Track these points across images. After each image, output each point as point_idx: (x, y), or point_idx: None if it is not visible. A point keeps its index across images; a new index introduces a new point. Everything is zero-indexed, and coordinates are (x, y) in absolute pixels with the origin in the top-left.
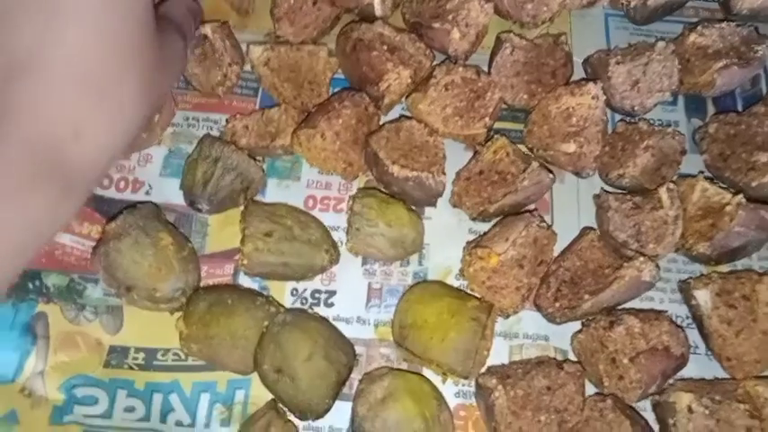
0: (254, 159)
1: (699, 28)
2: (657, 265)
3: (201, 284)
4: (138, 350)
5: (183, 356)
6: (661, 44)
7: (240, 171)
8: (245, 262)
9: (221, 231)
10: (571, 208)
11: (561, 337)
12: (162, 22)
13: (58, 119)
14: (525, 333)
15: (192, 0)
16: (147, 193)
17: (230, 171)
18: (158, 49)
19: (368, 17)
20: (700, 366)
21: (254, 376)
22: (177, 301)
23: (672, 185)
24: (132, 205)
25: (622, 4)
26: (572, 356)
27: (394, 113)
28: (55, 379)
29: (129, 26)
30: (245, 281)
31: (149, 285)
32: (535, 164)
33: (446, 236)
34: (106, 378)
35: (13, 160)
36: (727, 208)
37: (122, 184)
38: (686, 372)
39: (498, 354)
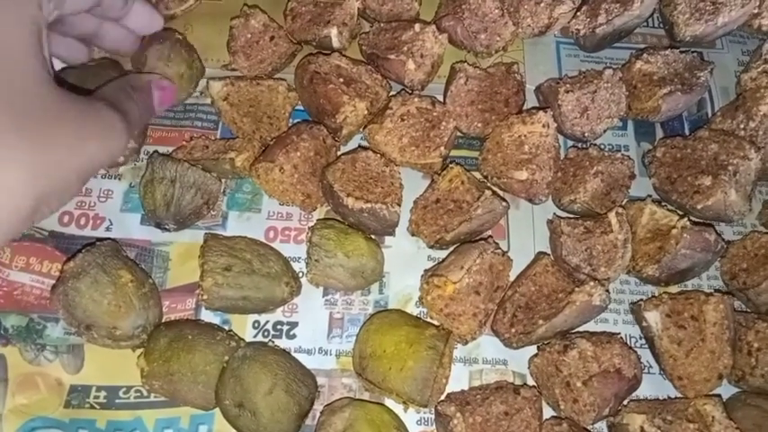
0: (208, 173)
1: (645, 55)
2: (608, 290)
3: (163, 320)
4: (99, 389)
5: (145, 393)
6: (608, 72)
7: (198, 186)
8: (205, 297)
9: (182, 265)
10: (526, 233)
11: (520, 361)
12: (92, 98)
13: None
14: (484, 358)
15: (138, 89)
16: (108, 228)
17: (189, 188)
18: (68, 112)
19: (326, 49)
20: (654, 386)
21: (217, 411)
22: (138, 338)
23: (621, 210)
24: (92, 243)
25: (572, 32)
26: (530, 380)
27: (353, 143)
28: (13, 422)
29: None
30: (207, 315)
31: (109, 324)
32: (488, 192)
33: (406, 264)
34: (66, 419)
35: None
36: (673, 231)
37: (83, 220)
38: (641, 391)
39: (458, 379)
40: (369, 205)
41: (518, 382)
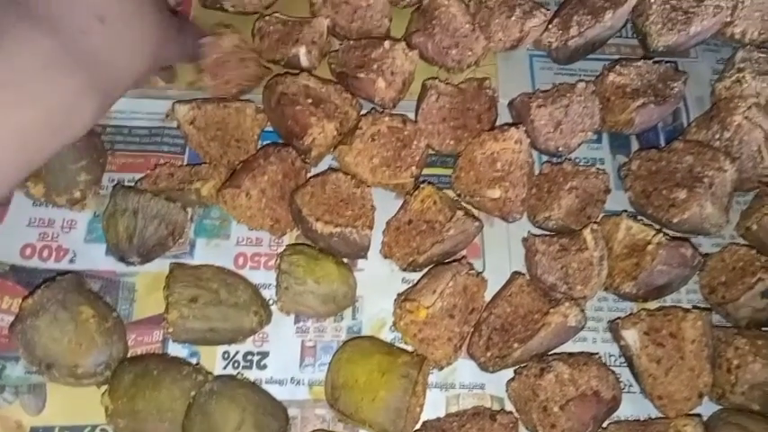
0: (173, 203)
1: (617, 67)
2: (583, 310)
3: (130, 353)
4: (62, 429)
5: None
6: (581, 85)
7: (162, 217)
8: (171, 330)
9: (149, 296)
10: (502, 251)
11: (498, 385)
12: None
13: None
14: (461, 383)
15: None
16: (72, 260)
17: (152, 220)
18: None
19: (294, 68)
20: (635, 405)
21: None
22: (101, 375)
23: (596, 226)
24: (52, 278)
25: (545, 45)
26: (509, 404)
27: (324, 164)
28: None
29: None
30: (175, 347)
31: (70, 362)
32: (460, 213)
33: (379, 287)
34: None
35: (30, 39)
36: (649, 247)
37: (45, 252)
38: (622, 411)
39: (435, 405)
40: (338, 229)
41: (496, 406)
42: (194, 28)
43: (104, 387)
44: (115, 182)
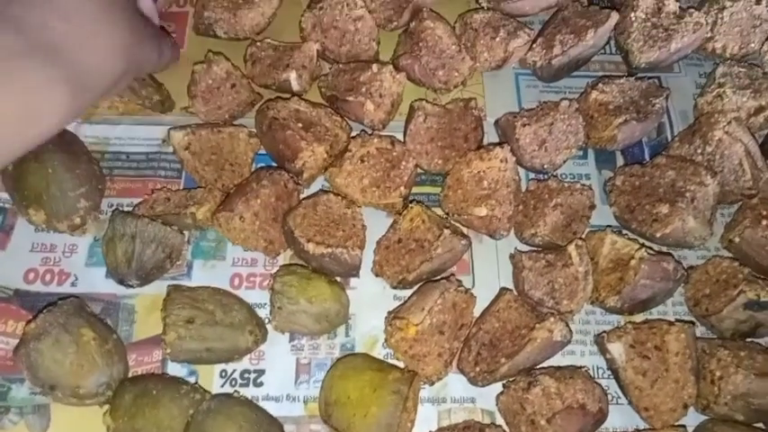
0: (170, 226)
1: (600, 85)
2: (568, 324)
3: (131, 373)
4: None
5: None
6: (564, 103)
7: (159, 241)
8: (169, 351)
9: (148, 317)
10: (491, 267)
11: (488, 399)
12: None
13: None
14: (452, 397)
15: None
16: (74, 284)
17: (150, 244)
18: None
19: (286, 92)
20: (623, 417)
21: None
22: (103, 395)
23: (580, 242)
24: (54, 303)
25: (530, 64)
26: (499, 417)
27: (317, 185)
28: None
29: None
30: (174, 367)
31: (72, 383)
32: (447, 232)
33: (371, 305)
34: None
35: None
36: (632, 262)
37: (48, 276)
38: (610, 423)
39: (427, 420)
40: (329, 250)
41: (487, 419)
42: (168, 35)
43: (106, 406)
44: (114, 206)
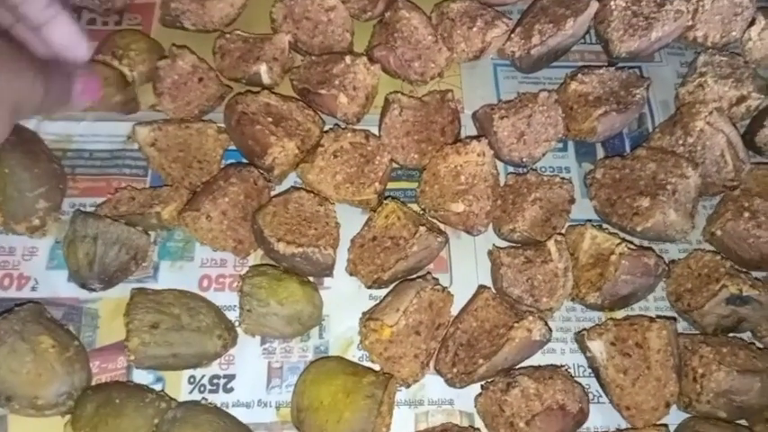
0: (134, 227)
1: (579, 75)
2: (547, 323)
3: (94, 380)
4: None
5: None
6: (543, 95)
7: (122, 242)
8: (132, 357)
9: (112, 322)
10: (469, 264)
11: (467, 400)
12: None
13: None
14: (430, 399)
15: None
16: (34, 288)
17: (112, 245)
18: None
19: (256, 86)
20: (604, 416)
21: None
22: (64, 405)
23: (560, 237)
24: (9, 309)
25: (508, 55)
26: (478, 419)
27: (289, 182)
28: None
29: None
30: (140, 373)
31: (30, 393)
32: (422, 229)
33: (346, 305)
34: None
35: None
36: (612, 257)
37: (6, 281)
38: (591, 422)
39: (405, 423)
40: (301, 249)
41: (465, 422)
42: (64, 70)
43: (68, 417)
44: (76, 207)
